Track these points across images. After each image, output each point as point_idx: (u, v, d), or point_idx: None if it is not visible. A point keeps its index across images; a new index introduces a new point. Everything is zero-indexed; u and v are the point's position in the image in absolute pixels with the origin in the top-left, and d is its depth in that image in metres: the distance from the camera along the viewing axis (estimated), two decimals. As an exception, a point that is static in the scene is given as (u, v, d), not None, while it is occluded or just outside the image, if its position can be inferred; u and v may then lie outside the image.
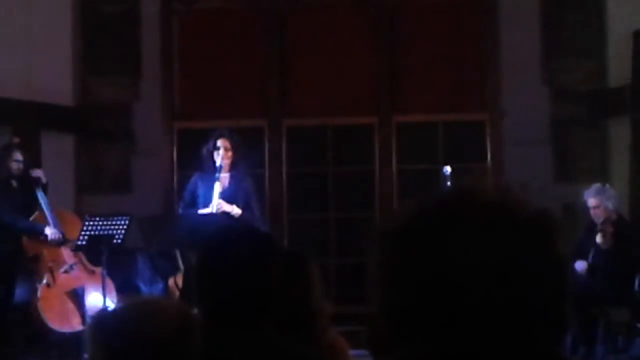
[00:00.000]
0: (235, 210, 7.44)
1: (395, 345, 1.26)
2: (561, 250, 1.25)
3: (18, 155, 7.93)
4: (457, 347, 1.22)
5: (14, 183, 7.94)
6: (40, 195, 7.90)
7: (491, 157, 9.08)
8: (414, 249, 1.24)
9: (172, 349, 1.96)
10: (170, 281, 7.83)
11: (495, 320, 1.21)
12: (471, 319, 1.22)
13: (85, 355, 7.52)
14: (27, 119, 8.70)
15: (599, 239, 7.57)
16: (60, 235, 7.83)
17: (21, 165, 7.93)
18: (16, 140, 8.04)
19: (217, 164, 7.50)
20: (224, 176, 7.56)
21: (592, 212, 7.74)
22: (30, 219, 7.88)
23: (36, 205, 7.90)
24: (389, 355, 1.27)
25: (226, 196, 7.50)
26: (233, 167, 7.58)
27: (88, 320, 7.52)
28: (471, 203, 1.24)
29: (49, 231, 7.80)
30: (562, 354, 1.27)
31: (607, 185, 7.91)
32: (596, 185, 7.83)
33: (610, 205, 7.67)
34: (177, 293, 7.52)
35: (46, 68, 8.88)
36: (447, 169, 7.18)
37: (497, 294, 1.20)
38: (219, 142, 7.54)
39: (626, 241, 7.56)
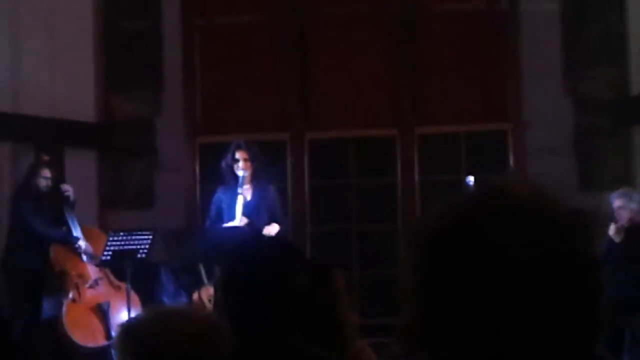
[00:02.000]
0: (274, 229, 7.48)
1: (429, 346, 1.25)
2: (596, 249, 1.24)
3: (47, 173, 8.01)
4: (491, 348, 1.21)
5: (43, 200, 8.00)
6: (67, 212, 7.97)
7: (514, 167, 9.05)
8: (447, 249, 1.23)
9: (200, 356, 1.96)
10: (195, 295, 7.82)
11: (531, 320, 1.20)
12: (506, 319, 1.20)
13: (111, 370, 7.56)
14: (51, 136, 8.75)
15: (611, 230, 7.59)
16: (91, 250, 7.91)
17: (50, 182, 8.00)
18: (45, 157, 8.10)
19: (240, 175, 7.51)
20: (246, 188, 7.57)
21: (616, 213, 7.73)
22: None
23: (64, 221, 7.97)
24: (423, 356, 1.26)
25: (250, 209, 7.51)
26: (254, 179, 7.59)
27: (114, 334, 7.55)
28: (505, 202, 1.23)
29: (82, 243, 7.88)
30: (598, 354, 1.26)
31: (634, 190, 7.94)
32: (622, 189, 7.86)
33: (635, 207, 7.68)
34: (204, 306, 7.51)
35: (69, 85, 8.93)
36: (471, 179, 7.16)
37: (532, 293, 1.19)
38: (237, 154, 7.55)
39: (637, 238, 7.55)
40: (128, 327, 2.02)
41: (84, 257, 7.95)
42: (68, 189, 8.05)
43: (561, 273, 1.21)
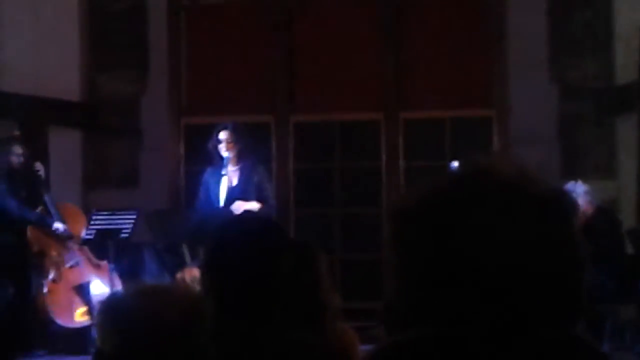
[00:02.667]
0: (254, 206, 7.46)
1: (409, 325, 1.25)
2: (577, 229, 1.24)
3: (18, 149, 7.93)
4: (470, 327, 1.22)
5: (17, 177, 7.92)
6: (43, 191, 7.91)
7: (496, 153, 9.06)
8: (428, 228, 1.23)
9: (182, 333, 1.96)
10: (178, 276, 7.83)
11: (512, 299, 1.20)
12: (486, 299, 1.21)
13: (92, 349, 7.54)
14: (35, 115, 8.71)
15: None
16: (68, 231, 7.85)
17: (22, 159, 7.92)
18: (16, 133, 8.02)
19: (224, 156, 7.50)
20: (232, 170, 7.56)
21: None
22: None
23: (40, 199, 7.91)
24: (404, 334, 1.26)
25: (237, 191, 7.50)
26: (240, 160, 7.58)
27: (95, 310, 7.53)
28: (487, 181, 1.23)
29: (59, 225, 7.82)
30: (577, 335, 1.27)
31: (579, 182, 7.76)
32: (569, 183, 7.69)
33: (580, 201, 7.53)
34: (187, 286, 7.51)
35: (54, 64, 8.89)
36: (455, 164, 7.17)
37: (513, 272, 1.20)
38: (221, 135, 7.55)
39: (594, 233, 7.49)
40: (109, 304, 2.02)
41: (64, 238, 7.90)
42: (39, 167, 7.96)
43: (542, 252, 1.21)
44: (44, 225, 7.81)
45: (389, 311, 2.39)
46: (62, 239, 7.86)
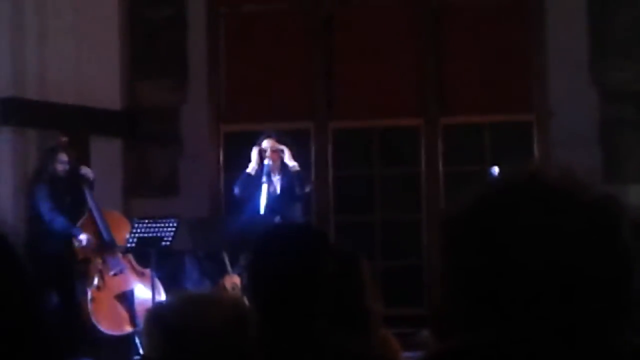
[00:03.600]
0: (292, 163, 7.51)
1: (458, 330, 1.25)
2: (628, 234, 1.23)
3: (63, 156, 8.01)
4: (521, 333, 1.21)
5: (61, 184, 8.00)
6: (88, 195, 7.98)
7: (538, 158, 9.00)
8: (478, 233, 1.23)
9: (228, 340, 1.97)
10: (219, 283, 7.85)
11: (561, 306, 1.20)
12: (536, 305, 1.20)
13: (136, 357, 7.59)
14: (77, 124, 8.79)
15: None
16: (92, 242, 7.87)
17: (67, 167, 8.00)
18: (64, 139, 8.09)
19: (265, 164, 7.51)
20: (276, 179, 7.57)
21: None
22: (80, 221, 7.96)
23: (85, 206, 7.99)
24: (452, 340, 1.26)
25: (279, 200, 7.50)
26: (282, 169, 7.58)
27: (139, 319, 7.58)
28: (535, 187, 1.23)
29: (84, 237, 7.85)
30: (630, 339, 1.25)
31: None
32: None
33: None
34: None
35: (95, 73, 8.97)
36: (495, 169, 7.12)
37: (562, 279, 1.19)
38: (265, 143, 7.55)
39: None
40: (156, 312, 2.04)
41: (108, 245, 7.95)
42: (85, 170, 8.04)
43: (592, 257, 1.21)
44: (70, 234, 7.84)
45: (438, 318, 2.39)
46: (105, 249, 7.91)
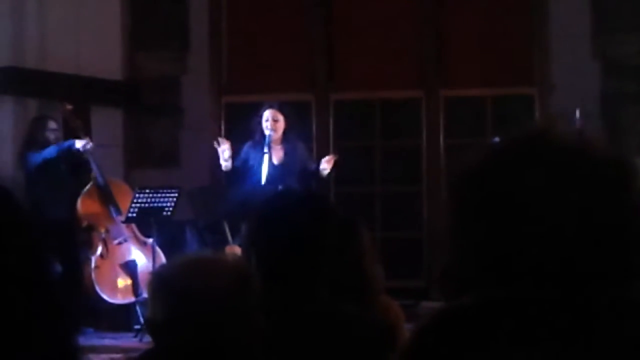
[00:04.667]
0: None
1: (467, 289, 1.25)
2: (637, 194, 1.23)
3: (52, 124, 7.99)
4: (530, 292, 1.21)
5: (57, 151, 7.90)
6: (94, 164, 7.94)
7: (540, 123, 8.98)
8: (488, 190, 1.23)
9: (231, 302, 1.98)
10: (219, 253, 7.86)
11: (571, 261, 1.20)
12: (545, 264, 1.20)
13: (136, 327, 7.62)
14: (77, 94, 8.77)
15: None
16: (92, 144, 7.80)
17: (58, 134, 7.98)
18: (69, 107, 8.04)
19: (267, 134, 7.49)
20: (277, 149, 7.56)
21: None
22: (85, 188, 7.94)
23: (84, 174, 7.96)
24: (461, 299, 1.26)
25: (282, 169, 7.50)
26: (284, 139, 7.57)
27: (142, 289, 7.59)
28: (546, 145, 1.23)
29: (79, 144, 7.77)
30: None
31: None
32: None
33: None
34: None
35: (95, 43, 8.94)
36: (497, 140, 7.12)
37: (573, 234, 1.19)
38: (267, 113, 7.53)
39: None
40: (160, 274, 2.04)
41: (113, 212, 7.97)
42: (85, 141, 7.90)
43: (598, 220, 1.21)
44: (65, 150, 7.71)
45: (447, 276, 2.39)
46: (114, 213, 7.88)
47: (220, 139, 7.58)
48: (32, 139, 7.97)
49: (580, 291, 1.20)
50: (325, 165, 7.50)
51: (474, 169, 1.25)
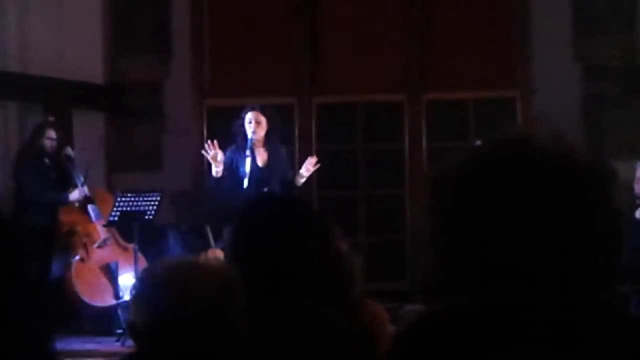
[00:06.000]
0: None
1: (448, 293, 1.25)
2: (616, 199, 1.24)
3: (52, 133, 8.05)
4: (507, 296, 1.21)
5: (47, 160, 8.03)
6: (75, 173, 8.00)
7: (521, 128, 9.01)
8: (467, 192, 1.23)
9: (217, 306, 1.97)
10: (202, 257, 7.85)
11: (548, 270, 1.20)
12: (523, 267, 1.21)
13: (118, 330, 7.61)
14: (58, 97, 8.75)
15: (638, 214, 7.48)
16: (86, 193, 7.88)
17: (55, 143, 8.03)
18: (51, 118, 8.13)
19: (249, 137, 7.49)
20: (261, 151, 7.55)
21: (636, 184, 7.60)
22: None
23: (70, 182, 8.01)
24: (441, 303, 1.26)
25: (265, 171, 7.49)
26: (266, 142, 7.57)
27: (122, 292, 7.60)
28: (526, 147, 1.23)
29: (74, 197, 7.87)
30: (613, 303, 1.26)
31: None
32: None
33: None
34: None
35: (77, 46, 8.92)
36: (479, 144, 7.10)
37: (551, 237, 1.19)
38: (249, 115, 7.53)
39: None
40: (145, 277, 2.03)
41: (93, 217, 7.98)
42: (70, 152, 8.07)
43: (580, 217, 1.21)
44: (60, 203, 7.88)
45: (428, 281, 2.39)
46: (94, 218, 7.91)
47: (209, 145, 7.54)
48: (30, 145, 8.03)
49: (560, 295, 1.20)
50: (304, 172, 7.49)
51: (454, 173, 1.26)
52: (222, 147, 7.81)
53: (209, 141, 7.62)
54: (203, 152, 7.58)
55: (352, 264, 3.33)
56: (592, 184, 1.22)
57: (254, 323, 2.24)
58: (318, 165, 7.57)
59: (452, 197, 1.24)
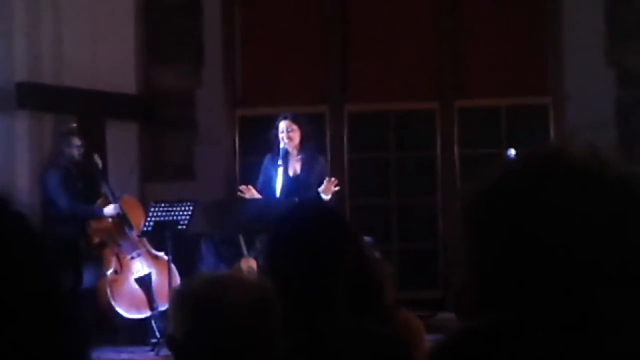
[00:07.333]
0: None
1: (482, 309, 1.25)
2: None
3: (76, 141, 8.06)
4: (543, 312, 1.21)
5: (73, 170, 8.05)
6: (102, 182, 8.02)
7: (554, 141, 8.98)
8: (501, 211, 1.22)
9: (253, 320, 1.98)
10: (235, 267, 7.86)
11: (584, 285, 1.20)
12: (560, 287, 1.20)
13: (153, 340, 7.63)
14: (92, 108, 8.81)
15: None
16: (120, 210, 7.91)
17: (81, 151, 8.05)
18: (73, 126, 8.15)
19: (281, 147, 7.50)
20: (294, 160, 7.56)
21: None
22: (95, 204, 8.01)
23: (98, 191, 8.02)
24: (476, 319, 1.26)
25: (299, 181, 7.50)
26: (300, 151, 7.57)
27: (157, 303, 7.62)
28: (560, 164, 1.23)
29: (108, 212, 7.89)
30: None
31: None
32: None
33: None
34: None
35: (110, 57, 8.97)
36: (512, 152, 7.08)
37: (587, 257, 1.19)
38: (282, 125, 7.54)
39: None
40: (182, 291, 2.04)
41: (126, 229, 8.00)
42: (97, 160, 8.07)
43: (616, 235, 1.20)
44: (94, 217, 7.89)
45: (461, 298, 2.38)
46: (127, 229, 7.93)
47: (242, 189, 7.61)
48: (58, 154, 8.07)
49: (595, 316, 1.20)
50: (324, 196, 7.47)
51: (487, 191, 1.25)
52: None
53: (243, 186, 7.65)
54: (239, 193, 7.65)
55: (385, 273, 3.33)
56: (627, 203, 1.21)
57: (290, 334, 2.24)
58: (337, 187, 7.56)
59: (484, 215, 1.24)
